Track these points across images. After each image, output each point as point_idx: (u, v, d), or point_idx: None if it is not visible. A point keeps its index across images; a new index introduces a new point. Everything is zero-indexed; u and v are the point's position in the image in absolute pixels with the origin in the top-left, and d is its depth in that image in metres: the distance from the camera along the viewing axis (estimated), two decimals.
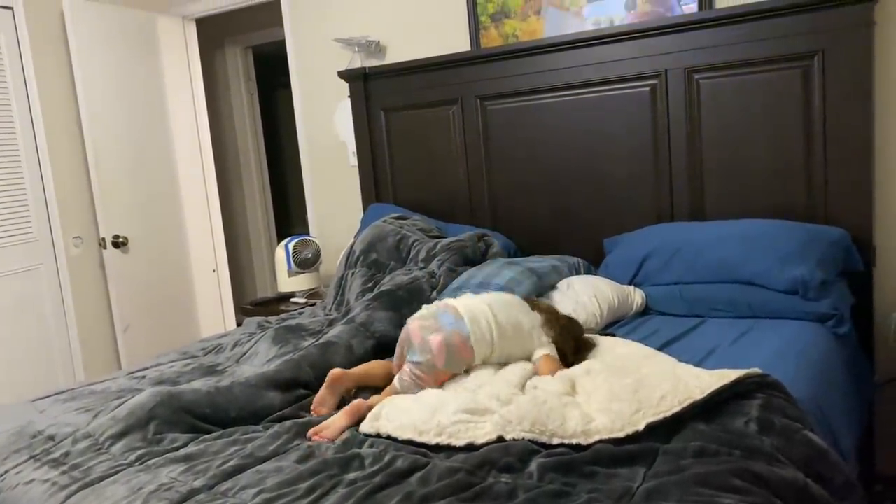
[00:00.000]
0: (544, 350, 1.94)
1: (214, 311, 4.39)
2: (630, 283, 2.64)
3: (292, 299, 3.58)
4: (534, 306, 2.09)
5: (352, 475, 1.43)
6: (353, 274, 2.80)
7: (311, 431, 1.68)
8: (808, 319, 2.28)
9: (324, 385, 1.87)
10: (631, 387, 1.57)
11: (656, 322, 2.44)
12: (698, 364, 1.92)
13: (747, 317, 2.37)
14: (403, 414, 1.62)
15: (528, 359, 1.95)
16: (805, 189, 2.61)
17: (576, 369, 1.81)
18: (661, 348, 2.10)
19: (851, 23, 2.46)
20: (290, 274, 3.58)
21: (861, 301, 2.49)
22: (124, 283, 3.84)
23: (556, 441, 1.47)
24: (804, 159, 2.60)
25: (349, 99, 3.60)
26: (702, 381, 1.57)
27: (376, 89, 3.50)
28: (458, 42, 3.36)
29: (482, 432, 1.52)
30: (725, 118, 2.72)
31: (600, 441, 1.45)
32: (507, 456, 1.42)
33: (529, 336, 1.97)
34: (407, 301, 2.38)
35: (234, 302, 4.46)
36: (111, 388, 2.11)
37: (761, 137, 2.66)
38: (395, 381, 1.86)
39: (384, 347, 2.21)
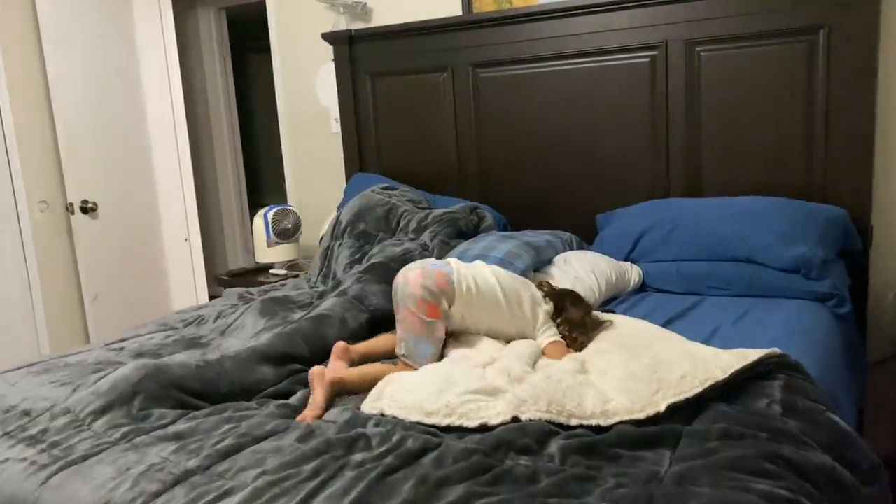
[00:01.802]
0: (550, 337, 1.89)
1: (186, 282, 4.23)
2: (626, 260, 2.58)
3: (271, 270, 3.45)
4: (539, 287, 2.03)
5: (358, 456, 1.34)
6: (339, 245, 2.69)
7: (298, 418, 1.60)
8: (809, 299, 2.25)
9: (330, 359, 1.81)
10: (649, 366, 1.51)
11: (654, 299, 2.38)
12: (704, 343, 1.87)
13: (746, 295, 2.33)
14: (408, 394, 1.54)
15: (525, 339, 1.90)
16: (804, 167, 2.57)
17: (590, 346, 1.74)
18: (663, 326, 2.04)
19: None
20: (269, 244, 3.45)
21: (855, 281, 2.47)
22: (93, 250, 3.67)
23: (573, 422, 1.40)
24: (804, 137, 2.56)
25: (332, 63, 3.45)
26: (722, 361, 1.51)
27: (362, 53, 3.36)
28: (448, 6, 3.24)
29: (494, 412, 1.44)
30: (726, 93, 2.66)
31: (620, 422, 1.39)
32: (524, 437, 1.34)
33: (527, 315, 1.92)
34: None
35: (205, 272, 4.31)
36: (87, 360, 1.98)
37: (762, 113, 2.61)
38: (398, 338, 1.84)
39: (378, 321, 2.12)
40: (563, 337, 1.90)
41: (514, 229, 3.01)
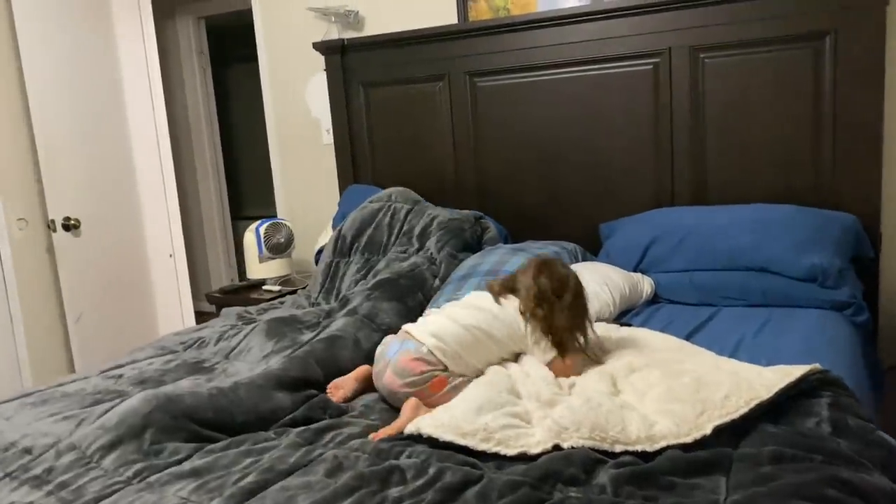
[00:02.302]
0: (544, 355, 1.72)
1: (171, 300, 4.10)
2: (635, 271, 2.53)
3: (264, 287, 3.35)
4: (501, 291, 1.82)
5: (395, 491, 1.26)
6: (346, 262, 2.60)
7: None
8: (826, 308, 2.21)
9: (351, 375, 1.77)
10: (691, 386, 1.45)
11: (668, 311, 2.33)
12: (731, 357, 1.82)
13: (761, 305, 2.29)
14: (445, 412, 1.46)
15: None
16: (811, 174, 2.55)
17: (615, 365, 1.68)
18: (685, 340, 1.99)
19: (864, 2, 2.39)
20: (262, 259, 3.35)
21: (865, 287, 2.44)
22: (76, 269, 3.52)
23: (618, 448, 1.33)
24: (811, 143, 2.53)
25: (324, 73, 3.37)
26: (765, 379, 1.46)
27: (355, 63, 3.29)
28: (443, 14, 3.17)
29: (534, 440, 1.37)
30: (731, 99, 2.63)
31: (667, 447, 1.33)
32: (570, 467, 1.28)
33: (509, 339, 1.75)
34: (410, 290, 2.21)
35: (190, 289, 4.18)
36: (86, 389, 1.87)
37: (768, 120, 2.58)
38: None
39: None
40: (559, 346, 1.71)
41: (515, 241, 2.95)
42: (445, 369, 1.68)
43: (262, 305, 2.62)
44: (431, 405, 1.61)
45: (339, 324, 2.03)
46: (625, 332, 1.97)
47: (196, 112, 5.27)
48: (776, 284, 2.28)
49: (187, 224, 5.15)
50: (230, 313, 2.51)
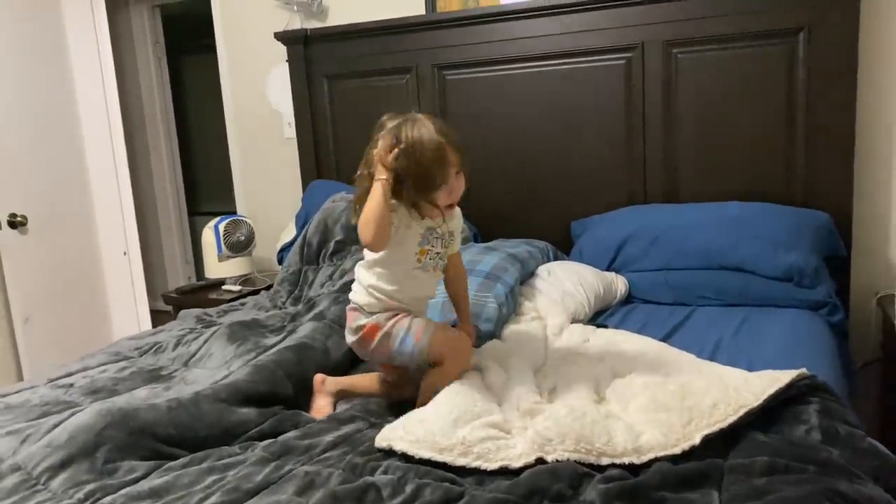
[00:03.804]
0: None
1: (126, 300, 3.94)
2: (608, 270, 2.48)
3: (224, 286, 3.22)
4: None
5: None
6: (314, 269, 2.49)
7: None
8: (802, 307, 2.19)
9: (315, 393, 1.72)
10: (677, 393, 1.40)
11: (643, 311, 2.29)
12: (710, 360, 1.78)
13: (736, 304, 2.26)
14: (420, 425, 1.38)
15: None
16: (784, 171, 2.53)
17: (597, 370, 1.62)
18: (662, 341, 1.95)
19: None
20: (221, 258, 3.22)
21: (837, 285, 2.43)
22: (23, 268, 3.35)
23: (605, 461, 1.27)
24: (784, 140, 2.51)
25: (286, 64, 3.25)
26: (752, 386, 1.41)
27: (318, 54, 3.17)
28: (411, 4, 3.08)
29: (516, 453, 1.30)
30: (704, 95, 2.59)
31: (655, 459, 1.27)
32: (556, 482, 1.21)
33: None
34: None
35: (146, 288, 4.02)
36: (31, 400, 1.75)
37: (741, 117, 2.55)
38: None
39: None
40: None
41: (485, 239, 2.87)
42: (370, 315, 1.65)
43: (223, 307, 2.50)
44: (377, 358, 1.68)
45: (306, 329, 1.93)
46: (603, 334, 1.92)
47: (151, 104, 5.08)
48: (752, 284, 2.25)
49: (142, 220, 4.97)
50: (188, 316, 2.39)
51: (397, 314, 1.64)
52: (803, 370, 1.46)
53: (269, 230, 3.44)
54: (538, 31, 2.77)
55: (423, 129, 1.55)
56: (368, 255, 1.65)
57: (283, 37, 3.19)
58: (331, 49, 3.15)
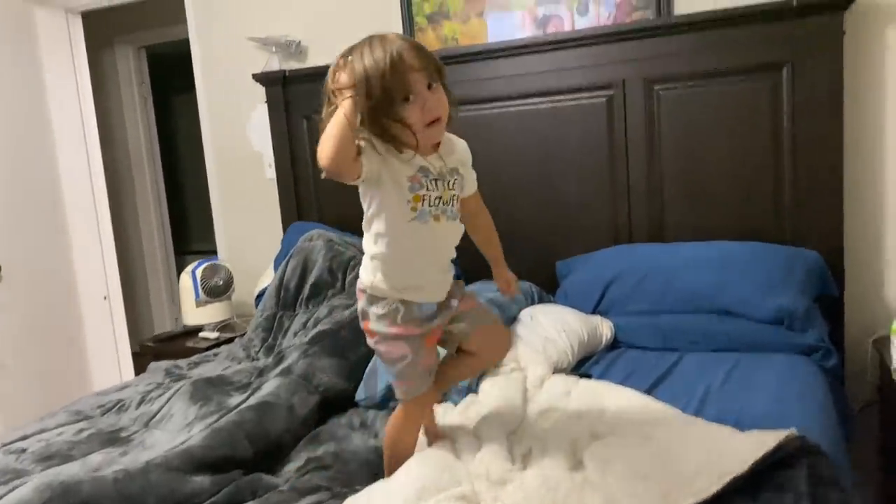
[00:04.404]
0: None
1: (107, 347, 3.84)
2: (593, 312, 2.40)
3: (201, 334, 3.13)
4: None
5: None
6: (290, 316, 2.41)
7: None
8: (794, 352, 2.10)
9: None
10: (658, 458, 1.30)
11: (630, 358, 2.20)
12: (697, 415, 1.69)
13: (726, 349, 2.17)
14: (383, 497, 1.28)
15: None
16: (772, 208, 2.46)
17: (576, 430, 1.52)
18: (648, 393, 1.85)
19: (820, 32, 2.32)
20: (198, 304, 3.14)
21: (830, 326, 2.34)
22: None
23: None
24: (771, 177, 2.44)
25: (266, 105, 3.20)
26: (738, 449, 1.32)
27: (297, 94, 3.13)
28: None
29: None
30: (688, 132, 2.53)
31: None
32: None
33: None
34: (351, 343, 2.03)
35: (129, 335, 3.93)
36: None
37: (726, 153, 2.49)
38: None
39: (330, 402, 1.85)
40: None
41: (468, 281, 2.78)
42: (375, 302, 1.42)
43: (194, 358, 2.41)
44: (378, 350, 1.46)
45: (271, 386, 1.84)
46: (586, 387, 1.82)
47: (137, 144, 5.04)
48: (741, 328, 2.16)
49: (127, 262, 4.90)
50: (157, 369, 2.30)
51: (403, 328, 1.39)
52: (792, 431, 1.37)
53: (250, 273, 3.35)
54: (518, 69, 2.72)
55: (378, 37, 1.29)
56: (365, 212, 1.41)
57: (261, 78, 3.14)
58: (310, 89, 3.08)
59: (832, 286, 2.31)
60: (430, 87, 1.31)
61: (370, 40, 1.29)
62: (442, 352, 1.58)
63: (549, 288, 2.65)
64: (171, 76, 5.46)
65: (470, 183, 1.52)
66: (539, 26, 2.78)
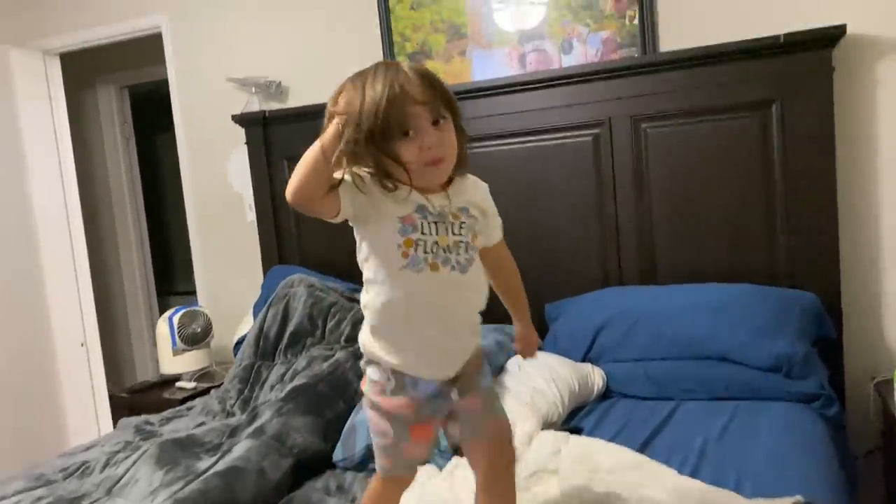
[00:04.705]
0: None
1: (84, 398, 3.70)
2: (584, 359, 2.31)
3: (178, 384, 3.00)
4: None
5: None
6: (269, 366, 2.30)
7: None
8: (793, 400, 2.01)
9: None
10: None
11: (623, 408, 2.10)
12: (694, 472, 1.60)
13: (723, 398, 2.07)
14: None
15: None
16: (765, 248, 2.38)
17: (570, 497, 1.42)
18: (643, 448, 1.76)
19: (809, 69, 2.27)
20: (176, 352, 3.03)
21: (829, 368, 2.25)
22: None
23: None
24: (764, 216, 2.37)
25: (246, 146, 3.13)
26: None
27: (278, 135, 3.06)
28: None
29: None
30: (676, 171, 2.47)
31: None
32: None
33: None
34: (329, 399, 1.93)
35: (108, 384, 3.79)
36: None
37: (716, 193, 2.42)
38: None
39: (306, 464, 1.74)
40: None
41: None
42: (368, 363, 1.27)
43: (166, 413, 2.30)
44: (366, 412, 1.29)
45: (241, 449, 1.73)
46: (577, 444, 1.72)
47: (119, 186, 4.95)
48: (738, 375, 2.07)
49: (107, 304, 4.79)
50: (128, 426, 2.19)
51: (389, 403, 1.22)
52: (798, 498, 1.27)
53: (230, 318, 3.25)
54: (503, 109, 2.66)
55: (384, 66, 1.17)
56: (358, 254, 1.25)
57: (240, 119, 3.08)
58: (291, 130, 3.03)
59: (830, 328, 2.23)
60: (436, 122, 1.17)
61: (376, 67, 1.17)
62: None
63: (539, 332, 2.55)
64: (156, 114, 5.40)
65: (491, 231, 1.33)
66: (523, 64, 2.73)
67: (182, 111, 3.41)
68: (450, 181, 1.25)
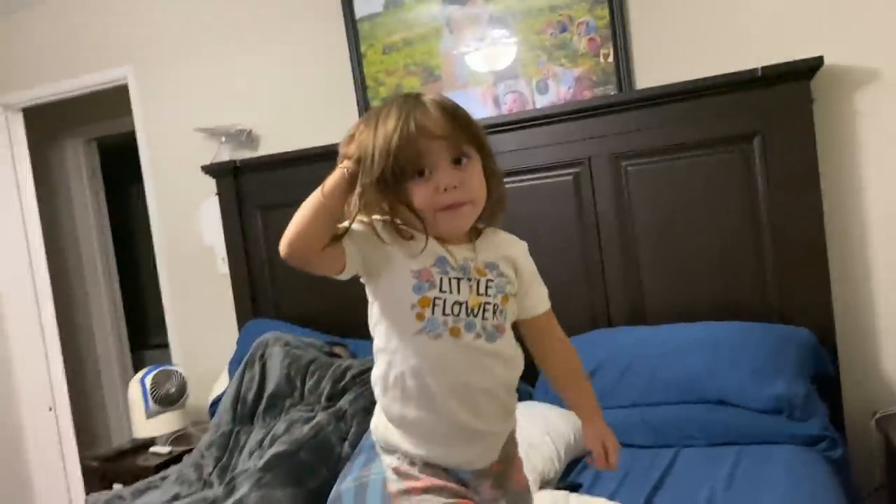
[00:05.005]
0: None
1: (54, 466, 3.53)
2: None
3: (152, 449, 2.85)
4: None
5: None
6: (247, 431, 2.18)
7: None
8: (796, 443, 1.93)
9: None
10: None
11: (622, 459, 1.95)
12: None
13: (724, 443, 1.99)
14: None
15: None
16: (754, 284, 2.33)
17: None
18: (647, 501, 1.67)
19: (789, 101, 2.24)
20: (150, 414, 2.88)
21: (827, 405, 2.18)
22: None
23: None
24: (751, 251, 2.32)
25: (216, 197, 3.04)
26: None
27: (249, 185, 2.97)
28: (345, 128, 2.89)
29: None
30: (660, 208, 2.42)
31: None
32: None
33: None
34: (311, 467, 1.81)
35: (80, 449, 3.62)
36: None
37: (702, 228, 2.37)
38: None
39: None
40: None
41: None
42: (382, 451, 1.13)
43: (139, 485, 2.16)
44: None
45: None
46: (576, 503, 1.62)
47: (89, 241, 4.80)
48: (738, 419, 1.99)
49: (79, 365, 4.61)
50: (97, 502, 2.04)
51: (426, 479, 1.05)
52: None
53: (206, 375, 3.12)
54: None
55: (403, 99, 1.05)
56: (369, 317, 1.11)
57: (210, 169, 2.99)
58: (263, 179, 2.95)
59: (828, 364, 2.16)
60: (458, 161, 1.04)
61: (394, 100, 1.04)
62: None
63: (529, 378, 2.46)
64: (125, 164, 5.30)
65: (532, 298, 1.17)
66: (498, 105, 2.69)
67: (151, 163, 3.32)
68: (479, 233, 1.11)
